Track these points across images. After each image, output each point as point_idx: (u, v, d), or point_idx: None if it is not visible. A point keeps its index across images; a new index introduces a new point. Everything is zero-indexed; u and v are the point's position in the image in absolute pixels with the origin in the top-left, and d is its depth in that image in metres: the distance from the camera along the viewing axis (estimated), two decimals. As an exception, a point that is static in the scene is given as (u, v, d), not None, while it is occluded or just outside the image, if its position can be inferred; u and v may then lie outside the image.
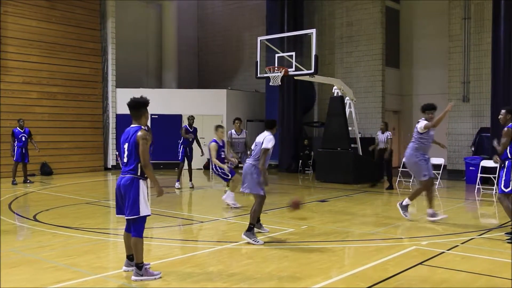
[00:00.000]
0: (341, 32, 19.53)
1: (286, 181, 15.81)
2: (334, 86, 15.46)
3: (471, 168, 14.31)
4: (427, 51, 19.26)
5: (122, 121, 19.13)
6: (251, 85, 21.27)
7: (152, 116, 19.17)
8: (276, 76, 13.37)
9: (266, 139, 7.26)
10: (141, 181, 5.31)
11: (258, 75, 14.26)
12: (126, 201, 5.28)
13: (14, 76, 16.61)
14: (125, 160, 5.37)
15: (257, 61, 14.22)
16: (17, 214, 9.47)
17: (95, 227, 8.19)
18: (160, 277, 5.33)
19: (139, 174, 5.31)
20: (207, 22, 24.60)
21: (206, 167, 19.38)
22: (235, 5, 23.22)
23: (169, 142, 19.36)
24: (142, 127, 5.42)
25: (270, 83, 13.68)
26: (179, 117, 19.54)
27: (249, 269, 5.73)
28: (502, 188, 7.17)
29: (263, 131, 7.48)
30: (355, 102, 16.07)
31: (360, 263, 5.93)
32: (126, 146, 5.37)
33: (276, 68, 13.48)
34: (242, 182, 7.38)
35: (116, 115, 19.41)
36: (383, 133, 13.56)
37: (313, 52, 13.13)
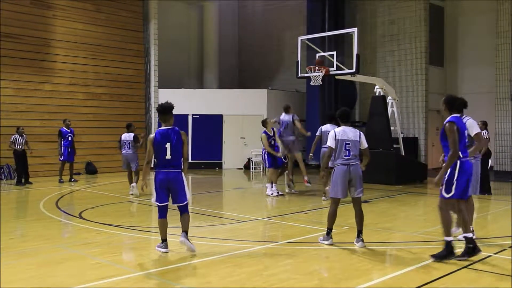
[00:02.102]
0: (383, 30, 19.22)
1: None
2: (376, 85, 15.24)
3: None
4: (473, 48, 18.73)
5: (164, 121, 19.44)
6: (292, 85, 21.21)
7: (194, 116, 19.42)
8: (317, 76, 13.28)
9: (363, 137, 6.84)
10: (183, 174, 6.34)
11: (299, 75, 14.22)
12: (178, 192, 6.25)
13: (61, 78, 17.16)
14: (169, 157, 6.22)
15: (297, 61, 14.18)
16: (63, 211, 9.77)
17: (138, 225, 8.35)
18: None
19: (181, 168, 6.33)
20: (247, 22, 24.69)
21: (247, 166, 19.47)
22: (276, 5, 23.21)
23: (210, 142, 19.59)
24: (177, 128, 6.33)
25: (311, 83, 13.61)
26: (219, 117, 19.70)
27: (290, 269, 5.70)
28: (443, 193, 5.90)
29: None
30: (398, 102, 15.79)
31: (402, 265, 5.81)
32: (168, 145, 6.22)
33: (317, 68, 13.40)
34: (354, 186, 6.68)
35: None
36: None
37: (355, 51, 12.98)
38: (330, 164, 7.11)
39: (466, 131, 6.12)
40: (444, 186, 5.81)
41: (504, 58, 16.62)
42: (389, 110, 15.29)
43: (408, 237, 7.51)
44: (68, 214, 9.48)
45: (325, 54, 13.90)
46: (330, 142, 6.76)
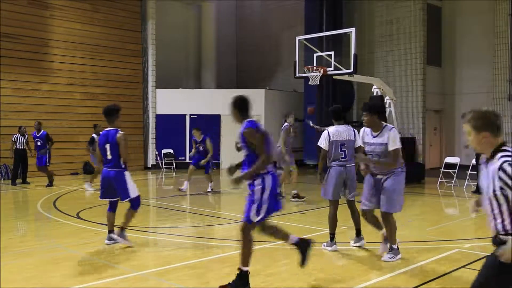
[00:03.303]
0: (381, 30, 19.24)
1: (324, 181, 15.67)
2: (373, 85, 15.25)
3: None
4: (471, 48, 18.76)
5: (162, 121, 19.44)
6: (290, 85, 21.23)
7: (191, 116, 19.39)
8: (315, 76, 13.30)
9: (358, 135, 6.48)
10: (125, 173, 6.67)
11: (297, 75, 14.22)
12: (118, 190, 6.64)
13: (59, 78, 17.15)
14: (109, 157, 6.59)
15: (295, 61, 14.18)
16: (61, 211, 9.75)
17: (135, 225, 8.34)
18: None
19: (122, 167, 6.65)
20: (246, 22, 24.69)
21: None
22: (274, 5, 23.22)
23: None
24: (119, 129, 6.62)
25: (309, 83, 13.62)
26: (217, 117, 19.68)
27: (287, 269, 5.71)
28: (252, 216, 4.82)
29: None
30: (395, 102, 15.79)
31: (399, 265, 5.82)
32: (108, 146, 6.58)
33: (315, 68, 13.41)
34: (349, 189, 6.57)
35: (156, 115, 19.73)
36: None
37: (352, 51, 12.99)
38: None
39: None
40: (254, 209, 4.80)
41: (502, 58, 16.67)
42: (387, 110, 15.30)
43: (405, 237, 7.52)
44: (66, 214, 9.47)
45: (323, 54, 13.91)
46: (323, 144, 6.47)
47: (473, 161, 13.14)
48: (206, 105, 19.69)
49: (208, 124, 19.51)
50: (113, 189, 6.67)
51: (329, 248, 6.49)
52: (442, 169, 14.17)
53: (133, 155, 19.07)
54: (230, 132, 19.71)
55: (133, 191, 6.71)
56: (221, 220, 9.22)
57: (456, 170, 13.80)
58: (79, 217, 9.00)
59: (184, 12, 22.61)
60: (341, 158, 6.47)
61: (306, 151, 19.50)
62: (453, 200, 11.98)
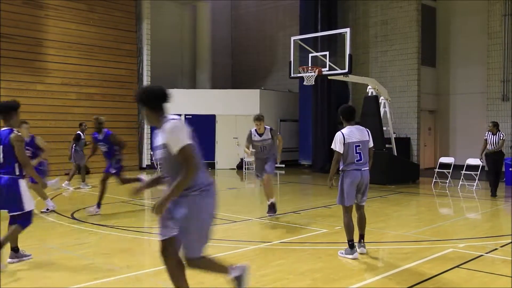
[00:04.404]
0: (376, 31, 19.28)
1: (320, 181, 15.72)
2: (368, 85, 15.30)
3: (511, 169, 13.91)
4: (465, 49, 18.83)
5: (157, 121, 19.40)
6: (285, 85, 21.25)
7: (186, 117, 19.38)
8: (310, 76, 13.33)
9: (371, 136, 6.24)
10: (20, 181, 5.66)
11: (292, 75, 14.24)
12: (9, 199, 5.65)
13: (54, 78, 17.08)
14: (1, 160, 5.64)
15: (290, 61, 14.21)
16: (55, 212, 9.72)
17: (130, 226, 8.33)
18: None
19: (17, 174, 5.64)
20: (241, 22, 24.70)
21: (240, 167, 19.47)
22: (269, 5, 23.23)
23: (203, 142, 19.49)
24: (14, 129, 5.69)
25: (304, 83, 13.65)
26: (212, 117, 19.68)
27: (282, 270, 5.71)
28: None
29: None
30: (390, 102, 15.85)
31: (394, 265, 5.83)
32: (1, 148, 5.64)
33: (309, 68, 13.44)
34: (362, 193, 6.22)
35: (151, 115, 19.66)
36: (494, 134, 11.90)
37: (347, 52, 13.03)
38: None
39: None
40: None
41: (496, 58, 16.74)
42: (382, 110, 15.36)
43: (400, 237, 7.54)
44: (60, 214, 9.44)
45: (318, 54, 13.94)
46: (338, 147, 6.04)
47: (468, 161, 13.21)
48: (201, 105, 19.68)
49: (203, 124, 19.53)
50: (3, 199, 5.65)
51: (350, 256, 6.08)
52: (437, 169, 14.21)
53: (128, 155, 19.06)
54: (225, 132, 19.77)
55: (29, 203, 5.74)
56: (216, 220, 9.19)
57: (451, 170, 13.85)
58: (73, 218, 8.98)
59: (179, 12, 22.59)
60: (357, 160, 6.07)
61: (301, 151, 19.53)
62: (447, 200, 12.02)
